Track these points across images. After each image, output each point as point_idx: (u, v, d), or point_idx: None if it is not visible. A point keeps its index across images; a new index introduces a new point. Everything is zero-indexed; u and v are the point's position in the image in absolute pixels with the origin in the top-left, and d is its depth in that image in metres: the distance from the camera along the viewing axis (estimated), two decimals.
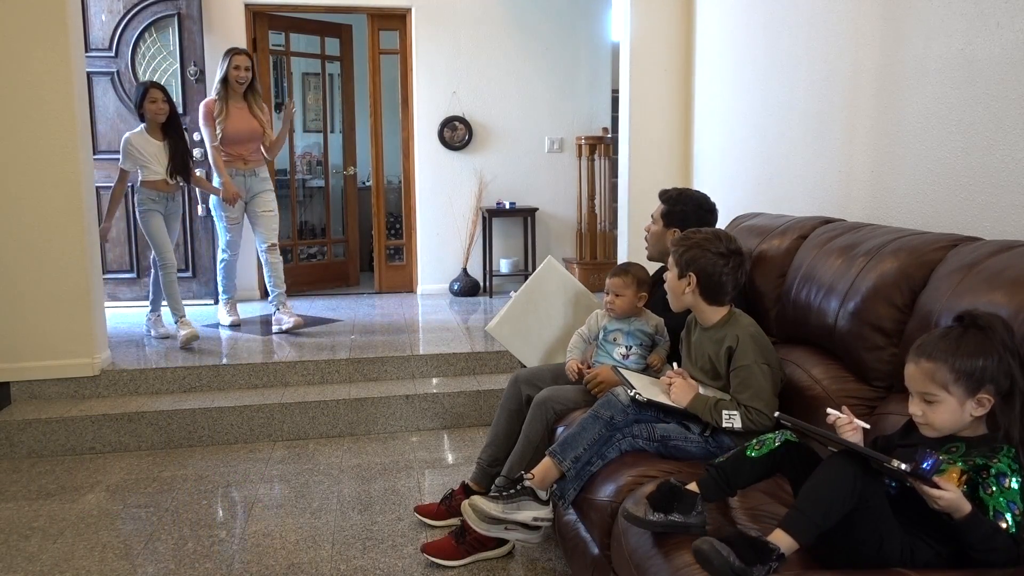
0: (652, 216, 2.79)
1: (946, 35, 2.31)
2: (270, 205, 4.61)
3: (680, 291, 2.20)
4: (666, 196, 2.74)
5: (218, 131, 4.36)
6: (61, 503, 2.98)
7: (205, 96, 5.47)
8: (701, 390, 2.14)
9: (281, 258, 4.65)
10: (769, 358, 2.11)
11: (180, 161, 4.20)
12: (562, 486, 2.13)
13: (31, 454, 3.46)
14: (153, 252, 4.28)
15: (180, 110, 5.24)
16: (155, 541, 2.67)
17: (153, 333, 4.45)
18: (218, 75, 4.41)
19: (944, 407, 1.45)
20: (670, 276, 2.23)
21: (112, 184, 5.26)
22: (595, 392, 2.47)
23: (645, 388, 2.18)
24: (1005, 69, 2.11)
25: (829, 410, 1.59)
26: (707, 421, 2.09)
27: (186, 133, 4.43)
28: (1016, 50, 2.07)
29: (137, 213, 4.23)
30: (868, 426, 1.57)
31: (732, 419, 2.05)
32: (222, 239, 4.62)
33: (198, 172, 4.59)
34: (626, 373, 2.29)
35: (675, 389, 2.15)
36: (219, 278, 4.76)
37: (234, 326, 4.69)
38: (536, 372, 2.74)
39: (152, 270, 4.38)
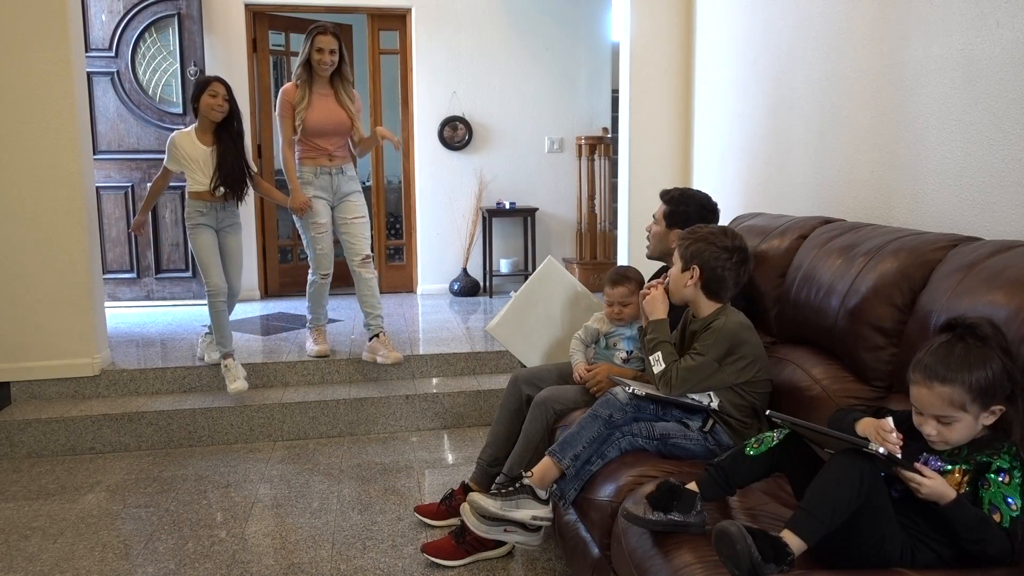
0: (654, 216, 2.79)
1: (946, 35, 2.31)
2: (360, 210, 3.89)
3: (682, 284, 2.22)
4: (668, 196, 2.74)
5: (298, 122, 3.68)
6: (61, 503, 2.98)
7: None
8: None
9: (376, 273, 3.96)
10: (731, 359, 2.12)
11: (230, 171, 3.57)
12: (562, 486, 2.13)
13: (31, 454, 3.46)
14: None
15: (179, 110, 5.25)
16: (155, 541, 2.67)
17: (199, 353, 3.93)
18: (300, 57, 3.71)
19: (961, 425, 1.44)
20: (673, 269, 2.25)
21: (119, 182, 5.28)
22: (594, 391, 2.47)
23: (641, 387, 2.19)
24: (1005, 69, 2.11)
25: (889, 419, 1.54)
26: (646, 345, 2.25)
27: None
28: (1016, 50, 2.07)
29: (186, 228, 3.69)
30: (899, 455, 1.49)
31: (657, 363, 2.17)
32: (310, 255, 3.88)
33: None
34: (622, 379, 2.32)
35: (648, 299, 2.28)
36: (307, 303, 4.03)
37: (321, 356, 3.96)
38: (536, 372, 2.74)
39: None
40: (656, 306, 2.27)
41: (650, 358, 2.20)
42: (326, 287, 3.97)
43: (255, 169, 3.76)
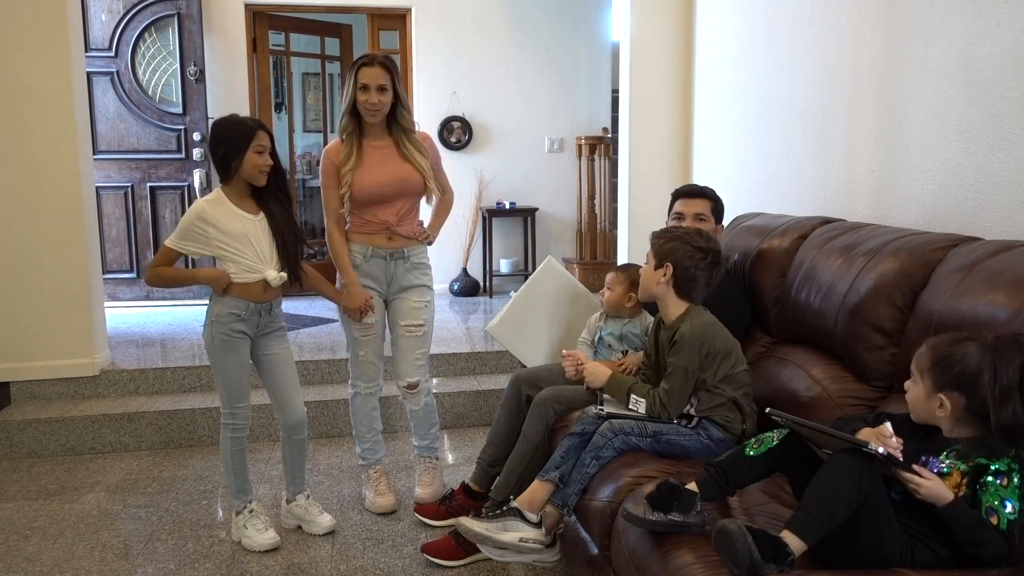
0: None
1: (946, 35, 2.31)
2: (419, 316, 2.90)
3: (653, 281, 2.20)
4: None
5: (344, 188, 2.66)
6: (61, 503, 2.98)
7: (205, 97, 5.37)
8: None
9: (427, 402, 2.94)
10: (710, 359, 2.12)
11: (291, 248, 2.53)
12: (562, 495, 2.13)
13: (31, 454, 3.46)
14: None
15: (179, 110, 5.24)
16: (155, 541, 2.67)
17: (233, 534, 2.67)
18: (343, 103, 2.68)
19: (914, 390, 1.56)
20: (646, 267, 2.26)
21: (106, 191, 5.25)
22: (571, 373, 2.52)
23: (616, 407, 2.25)
24: (1005, 69, 2.11)
25: (888, 424, 1.55)
26: (619, 402, 2.26)
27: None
28: (1016, 50, 2.07)
29: (208, 336, 2.52)
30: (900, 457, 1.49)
31: (638, 405, 2.19)
32: (351, 359, 2.86)
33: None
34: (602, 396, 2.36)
35: (588, 374, 2.35)
36: (352, 424, 2.94)
37: (387, 512, 2.84)
38: (536, 372, 2.74)
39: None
40: (598, 375, 2.33)
41: (629, 408, 2.21)
42: (372, 402, 2.90)
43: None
